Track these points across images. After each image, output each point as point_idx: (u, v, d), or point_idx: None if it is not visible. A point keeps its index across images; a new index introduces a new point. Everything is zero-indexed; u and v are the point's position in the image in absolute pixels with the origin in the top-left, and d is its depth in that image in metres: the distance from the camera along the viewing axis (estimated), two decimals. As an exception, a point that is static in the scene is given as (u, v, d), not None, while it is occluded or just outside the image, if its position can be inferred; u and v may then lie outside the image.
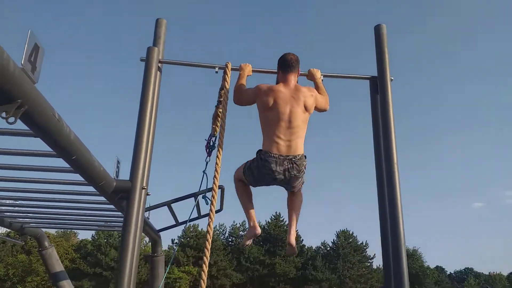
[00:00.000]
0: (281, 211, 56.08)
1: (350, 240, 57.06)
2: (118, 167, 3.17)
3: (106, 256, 45.72)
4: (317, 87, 3.19)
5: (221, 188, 4.18)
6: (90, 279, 45.12)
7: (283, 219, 54.97)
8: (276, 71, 3.21)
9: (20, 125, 1.76)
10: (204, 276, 2.64)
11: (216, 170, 2.92)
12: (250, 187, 3.01)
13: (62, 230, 59.49)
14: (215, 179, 2.90)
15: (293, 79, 2.92)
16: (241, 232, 54.16)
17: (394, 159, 3.17)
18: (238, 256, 50.49)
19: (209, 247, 2.72)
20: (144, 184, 3.02)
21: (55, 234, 52.92)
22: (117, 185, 2.94)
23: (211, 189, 4.03)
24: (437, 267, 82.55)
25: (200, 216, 4.94)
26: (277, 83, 3.00)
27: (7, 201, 4.15)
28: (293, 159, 2.70)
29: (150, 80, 3.22)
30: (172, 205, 4.32)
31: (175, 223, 4.85)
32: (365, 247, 57.76)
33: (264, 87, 2.87)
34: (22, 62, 1.58)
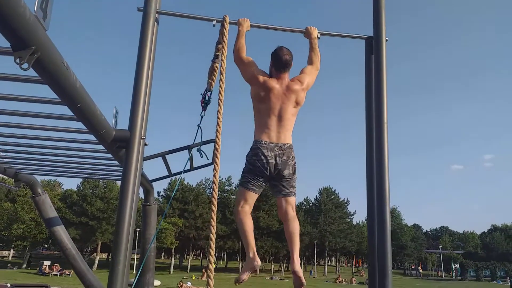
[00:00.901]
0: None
1: (332, 197, 58.80)
2: (116, 117, 3.23)
3: (92, 206, 46.35)
4: (311, 47, 3.23)
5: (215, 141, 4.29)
6: (76, 228, 45.92)
7: (268, 175, 56.08)
8: (272, 27, 3.26)
9: (27, 72, 1.81)
10: (213, 222, 2.77)
11: (218, 124, 2.98)
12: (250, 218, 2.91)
13: (51, 179, 59.69)
14: (218, 132, 2.95)
15: (286, 77, 2.96)
16: (226, 187, 55.06)
17: (384, 118, 3.30)
18: (223, 209, 51.71)
19: (216, 196, 2.83)
20: (142, 134, 3.10)
21: (39, 183, 53.12)
22: (116, 134, 3.02)
23: (205, 142, 4.19)
24: (414, 225, 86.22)
25: (193, 168, 5.10)
26: (270, 74, 3.02)
27: (3, 147, 4.19)
28: (282, 147, 2.84)
29: (148, 30, 3.21)
30: (167, 157, 4.44)
31: (168, 174, 4.99)
32: (346, 204, 59.75)
33: (261, 79, 2.90)
34: (35, 9, 1.61)
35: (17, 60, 1.61)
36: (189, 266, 50.17)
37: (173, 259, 50.74)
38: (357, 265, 73.53)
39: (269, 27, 3.36)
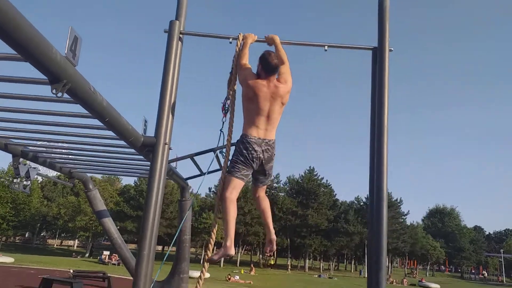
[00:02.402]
0: (315, 165, 56.84)
1: (384, 196, 57.24)
2: (145, 125, 3.75)
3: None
4: (276, 49, 3.45)
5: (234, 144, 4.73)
6: (133, 221, 48.58)
7: (317, 173, 55.82)
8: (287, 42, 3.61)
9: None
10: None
11: (229, 129, 3.43)
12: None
13: (107, 175, 63.58)
14: (229, 137, 3.39)
15: (274, 79, 3.22)
16: (275, 184, 55.51)
17: (385, 123, 3.54)
18: (271, 206, 52.17)
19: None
20: (167, 140, 3.59)
21: (101, 179, 56.82)
22: (144, 140, 3.55)
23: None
24: (475, 226, 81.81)
25: (220, 168, 5.57)
26: (258, 74, 3.27)
27: (59, 150, 4.91)
28: (268, 142, 3.18)
29: (172, 49, 3.69)
30: (196, 158, 4.93)
31: (199, 173, 5.50)
32: (399, 204, 57.98)
33: (251, 82, 3.18)
34: (66, 52, 2.11)
35: (53, 91, 2.13)
36: (238, 261, 51.26)
37: (223, 253, 52.05)
38: (411, 266, 71.10)
39: (286, 42, 3.72)
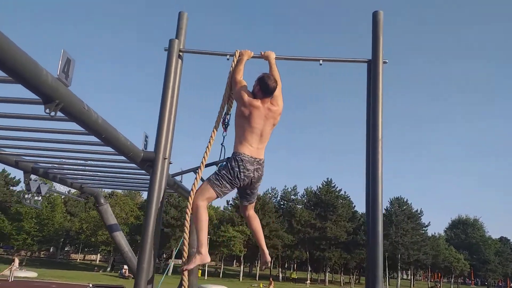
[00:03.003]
0: (332, 177, 56.40)
1: (404, 207, 56.26)
2: (146, 140, 3.87)
3: (167, 214, 49.10)
4: (270, 68, 3.54)
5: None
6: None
7: (335, 185, 55.29)
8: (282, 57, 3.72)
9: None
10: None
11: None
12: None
13: (128, 190, 64.54)
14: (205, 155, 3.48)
15: (268, 100, 3.30)
16: (292, 196, 55.27)
17: (379, 135, 3.58)
18: (289, 218, 51.93)
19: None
20: (166, 155, 3.70)
21: (122, 193, 57.70)
22: (144, 155, 3.67)
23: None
24: (501, 238, 79.23)
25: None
26: (253, 94, 3.33)
27: (68, 166, 5.09)
28: (259, 161, 3.24)
29: (171, 67, 3.82)
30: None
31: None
32: (419, 215, 56.81)
33: (246, 100, 3.24)
34: (58, 74, 2.25)
35: (47, 110, 2.27)
36: (257, 274, 50.91)
37: (242, 266, 51.92)
38: (436, 279, 69.16)
39: (282, 57, 3.83)
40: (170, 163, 3.80)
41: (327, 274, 54.93)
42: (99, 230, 49.55)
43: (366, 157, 3.74)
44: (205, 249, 3.08)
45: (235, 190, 3.44)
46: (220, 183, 3.19)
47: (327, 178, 56.09)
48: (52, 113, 2.28)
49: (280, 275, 55.00)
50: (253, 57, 3.79)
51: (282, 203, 56.59)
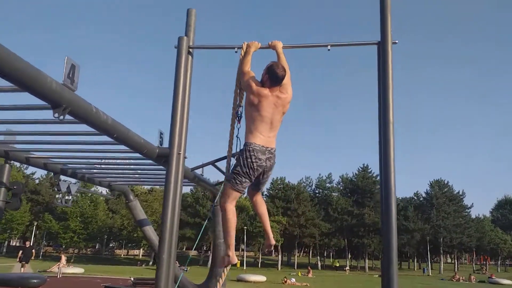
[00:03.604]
0: (369, 162, 55.42)
1: (445, 190, 54.59)
2: (161, 137, 4.00)
3: (204, 207, 50.03)
4: (278, 58, 3.53)
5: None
6: (191, 228, 50.09)
7: (371, 170, 54.36)
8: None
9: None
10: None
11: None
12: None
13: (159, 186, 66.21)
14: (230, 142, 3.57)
15: (276, 89, 3.30)
16: (327, 184, 54.83)
17: (390, 118, 3.52)
18: (325, 207, 51.62)
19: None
20: (181, 150, 3.81)
21: (159, 188, 59.33)
22: (159, 151, 3.80)
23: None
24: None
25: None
26: (262, 83, 3.34)
27: (95, 165, 5.32)
28: (271, 150, 3.25)
29: (181, 64, 3.90)
30: (219, 164, 5.12)
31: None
32: (461, 197, 54.99)
33: (255, 89, 3.25)
34: (63, 80, 2.38)
35: (55, 115, 2.41)
36: (296, 263, 51.10)
37: (280, 256, 52.25)
38: (483, 262, 66.91)
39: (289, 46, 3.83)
40: (185, 157, 3.90)
41: (366, 260, 54.31)
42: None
43: (378, 140, 3.69)
44: (232, 251, 3.17)
45: None
46: (238, 181, 3.21)
47: (363, 164, 55.26)
48: (61, 117, 2.42)
49: (319, 263, 54.93)
50: (260, 47, 3.81)
51: (317, 191, 56.27)
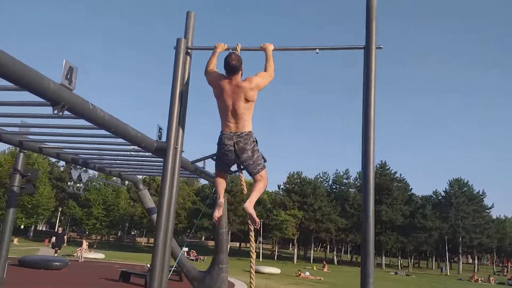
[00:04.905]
0: (387, 159, 54.91)
1: (465, 189, 53.54)
2: (160, 132, 4.31)
3: (221, 199, 50.63)
4: (266, 58, 3.75)
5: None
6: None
7: (389, 167, 53.85)
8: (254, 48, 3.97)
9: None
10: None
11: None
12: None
13: (185, 177, 67.32)
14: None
15: (234, 78, 3.48)
16: (344, 180, 54.59)
17: (371, 116, 3.72)
18: (342, 202, 51.50)
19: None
20: (177, 145, 4.09)
21: (140, 180, 60.60)
22: (157, 145, 4.11)
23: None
24: None
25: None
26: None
27: (105, 156, 5.70)
28: (240, 134, 3.46)
29: (179, 64, 4.17)
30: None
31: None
32: (482, 197, 53.83)
33: (215, 82, 3.55)
34: (61, 80, 2.70)
35: (54, 111, 2.74)
36: (312, 257, 51.30)
37: (296, 249, 52.54)
38: (506, 263, 65.43)
39: (246, 48, 4.07)
40: (182, 151, 4.18)
41: (383, 257, 54.02)
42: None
43: (361, 141, 3.88)
44: (221, 197, 3.60)
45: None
46: (215, 165, 3.69)
47: (381, 161, 54.75)
48: (60, 113, 2.75)
49: (335, 258, 54.93)
50: (252, 49, 4.07)
51: (334, 187, 56.15)
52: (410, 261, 52.96)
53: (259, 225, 3.51)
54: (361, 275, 3.54)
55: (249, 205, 3.41)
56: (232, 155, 3.48)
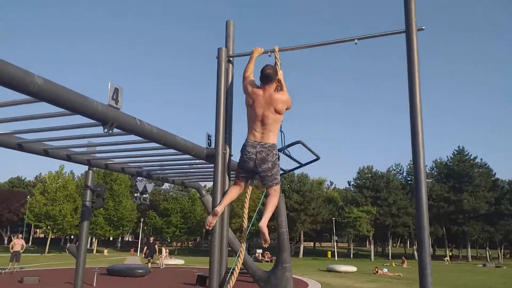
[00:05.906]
0: (465, 145, 51.33)
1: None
2: (209, 139, 4.48)
3: (290, 199, 50.68)
4: (280, 85, 3.74)
5: (300, 142, 5.13)
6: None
7: (468, 152, 50.25)
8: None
9: (126, 129, 3.20)
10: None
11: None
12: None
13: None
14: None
15: (268, 88, 3.54)
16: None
17: (417, 103, 3.58)
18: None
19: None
20: (225, 150, 4.23)
21: (204, 187, 62.04)
22: (207, 152, 4.29)
23: (290, 145, 5.09)
24: None
25: (301, 165, 6.03)
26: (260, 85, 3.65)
27: (167, 167, 6.02)
28: (264, 145, 3.51)
29: (221, 72, 4.31)
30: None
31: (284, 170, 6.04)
32: None
33: (249, 90, 3.60)
34: (108, 101, 2.95)
35: (105, 130, 2.99)
36: (390, 253, 49.36)
37: (372, 246, 50.91)
38: None
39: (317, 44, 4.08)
40: (231, 155, 4.32)
41: (469, 249, 50.43)
42: (232, 219, 53.77)
43: (410, 125, 3.74)
44: (220, 208, 3.67)
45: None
46: (236, 171, 3.77)
47: (459, 146, 51.26)
48: (110, 131, 3.00)
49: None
50: (289, 49, 4.12)
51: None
52: (500, 252, 48.77)
53: (269, 244, 3.66)
54: (419, 266, 3.42)
55: (264, 224, 3.53)
56: (252, 163, 3.54)
